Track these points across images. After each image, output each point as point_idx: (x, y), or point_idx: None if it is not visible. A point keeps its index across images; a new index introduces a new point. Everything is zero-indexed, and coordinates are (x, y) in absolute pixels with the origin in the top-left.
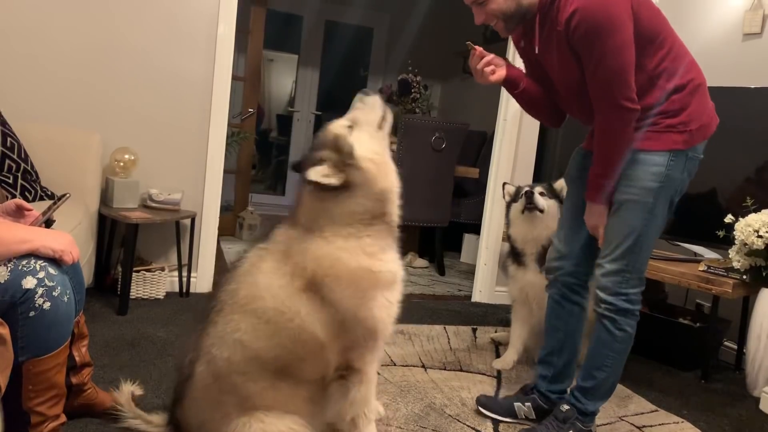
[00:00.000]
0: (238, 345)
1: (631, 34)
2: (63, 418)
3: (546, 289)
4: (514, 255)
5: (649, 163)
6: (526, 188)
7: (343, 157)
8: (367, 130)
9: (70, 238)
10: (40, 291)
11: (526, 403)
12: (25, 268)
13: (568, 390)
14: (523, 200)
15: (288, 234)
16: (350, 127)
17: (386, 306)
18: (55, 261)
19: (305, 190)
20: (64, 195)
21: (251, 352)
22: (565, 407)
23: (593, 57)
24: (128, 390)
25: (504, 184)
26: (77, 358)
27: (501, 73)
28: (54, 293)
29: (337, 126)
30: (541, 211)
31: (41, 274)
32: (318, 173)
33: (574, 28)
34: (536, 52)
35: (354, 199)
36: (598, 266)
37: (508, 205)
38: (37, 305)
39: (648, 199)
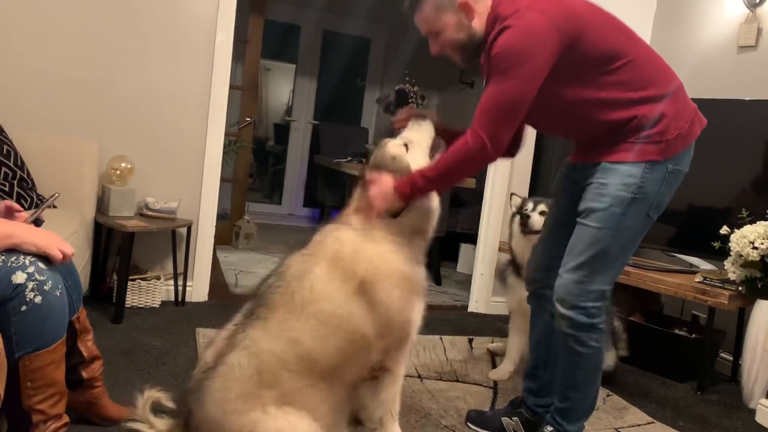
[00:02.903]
0: (294, 343)
1: (535, 75)
2: (65, 419)
3: (527, 301)
4: (514, 266)
5: (623, 174)
6: (529, 203)
7: (403, 175)
8: (420, 152)
9: (56, 235)
10: (30, 285)
11: (514, 418)
12: (14, 264)
13: (550, 409)
14: (518, 221)
15: (336, 237)
16: (406, 146)
17: (419, 312)
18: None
19: (365, 196)
20: (53, 195)
21: (305, 351)
22: (549, 429)
23: (492, 76)
24: (149, 396)
25: (512, 194)
26: (85, 353)
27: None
28: (45, 287)
29: (393, 146)
30: (538, 232)
31: (31, 269)
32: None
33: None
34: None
35: (408, 214)
36: (558, 276)
37: (513, 217)
38: (28, 299)
39: (617, 210)
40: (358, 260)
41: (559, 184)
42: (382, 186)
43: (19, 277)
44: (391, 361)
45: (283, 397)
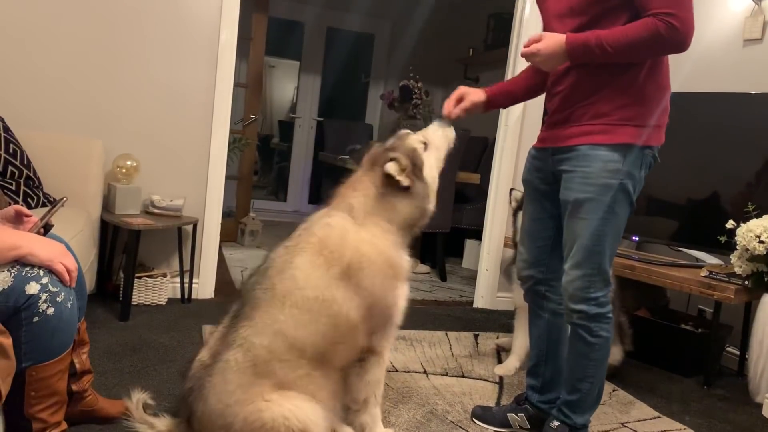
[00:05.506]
0: (279, 335)
1: None
2: (64, 426)
3: (524, 299)
4: None
5: (605, 159)
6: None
7: (415, 168)
8: (435, 155)
9: (62, 247)
10: (43, 296)
11: (519, 414)
12: (28, 274)
13: (557, 404)
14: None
15: (325, 223)
16: (425, 144)
17: (403, 296)
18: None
19: (368, 180)
20: (61, 199)
21: (291, 341)
22: (555, 423)
23: None
24: (139, 398)
25: (511, 189)
26: (77, 365)
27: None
28: (58, 299)
29: (415, 140)
30: None
31: (45, 280)
32: (395, 169)
33: None
34: None
35: (410, 205)
36: (565, 273)
37: (515, 212)
38: (40, 310)
39: (606, 198)
40: (345, 246)
41: (526, 175)
42: (551, 41)
43: (33, 288)
44: (377, 343)
45: (280, 385)
